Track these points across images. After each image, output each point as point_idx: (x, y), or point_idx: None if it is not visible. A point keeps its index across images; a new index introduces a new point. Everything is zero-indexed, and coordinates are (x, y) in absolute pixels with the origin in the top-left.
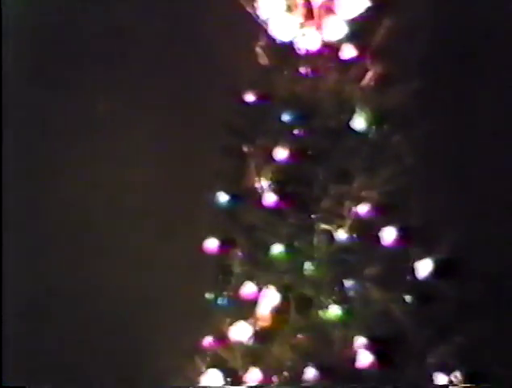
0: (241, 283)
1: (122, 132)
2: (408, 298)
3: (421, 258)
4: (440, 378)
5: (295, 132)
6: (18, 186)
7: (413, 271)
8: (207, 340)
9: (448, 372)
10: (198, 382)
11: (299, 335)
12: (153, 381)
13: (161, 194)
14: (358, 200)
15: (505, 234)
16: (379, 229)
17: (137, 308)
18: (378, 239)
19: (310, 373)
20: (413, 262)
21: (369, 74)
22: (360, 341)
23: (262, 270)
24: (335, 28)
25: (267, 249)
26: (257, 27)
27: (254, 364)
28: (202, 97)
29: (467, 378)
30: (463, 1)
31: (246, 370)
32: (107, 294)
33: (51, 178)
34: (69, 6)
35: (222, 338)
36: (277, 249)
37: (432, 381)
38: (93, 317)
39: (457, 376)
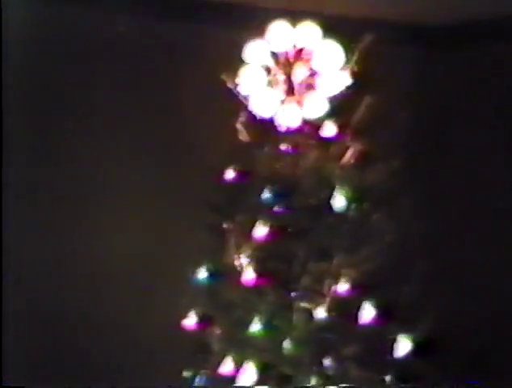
0: (220, 360)
1: (101, 207)
2: (387, 378)
3: (400, 337)
4: None
5: (276, 209)
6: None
7: (392, 350)
8: None
9: None
10: None
11: None
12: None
13: (140, 270)
14: (338, 278)
15: (483, 312)
16: (358, 308)
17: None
18: (357, 318)
19: None
20: (393, 341)
21: (349, 152)
22: None
23: (241, 348)
24: (316, 105)
25: (246, 326)
26: (238, 103)
27: None
28: (182, 173)
29: None
30: (441, 80)
31: None
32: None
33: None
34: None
35: None
36: (256, 327)
37: None
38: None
39: None
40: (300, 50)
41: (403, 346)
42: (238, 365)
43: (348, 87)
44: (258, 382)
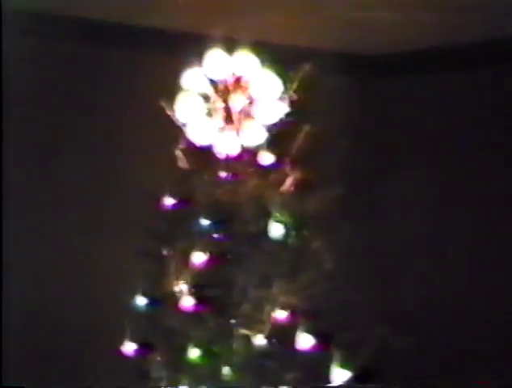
0: (160, 387)
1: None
2: None
3: (339, 364)
4: None
5: (215, 236)
6: None
7: (330, 377)
8: None
9: None
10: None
11: None
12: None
13: (80, 296)
14: (277, 305)
15: (422, 340)
16: (297, 335)
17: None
18: (296, 344)
19: None
20: (331, 368)
21: (289, 180)
22: None
23: (181, 374)
24: (254, 133)
25: (185, 353)
26: (177, 130)
27: None
28: (121, 200)
29: None
30: (380, 108)
31: None
32: None
33: None
34: None
35: None
36: (195, 353)
37: None
38: None
39: None
40: (239, 78)
41: (341, 373)
42: None
43: (287, 115)
44: None
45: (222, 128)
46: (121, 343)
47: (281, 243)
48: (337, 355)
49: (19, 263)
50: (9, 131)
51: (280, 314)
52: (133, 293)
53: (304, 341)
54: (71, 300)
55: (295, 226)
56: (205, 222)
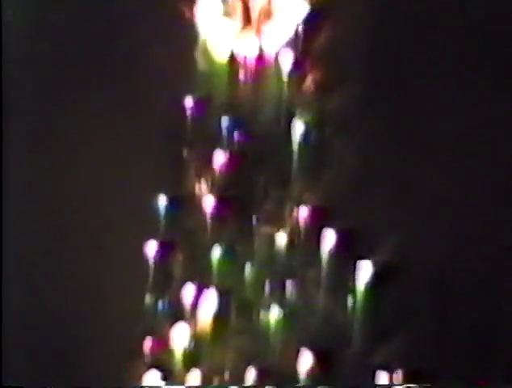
0: (182, 286)
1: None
2: (349, 300)
3: (362, 260)
4: (382, 377)
5: (235, 136)
6: None
7: (354, 272)
8: (148, 343)
9: (390, 371)
10: (138, 384)
11: (240, 338)
12: (96, 382)
13: (102, 196)
14: (299, 203)
15: (445, 236)
16: (319, 232)
17: (79, 311)
18: (319, 242)
19: (251, 374)
20: (355, 264)
21: (309, 79)
22: (301, 343)
23: (203, 273)
24: (274, 33)
25: (208, 252)
26: (196, 33)
27: (195, 366)
28: (142, 103)
29: (408, 377)
30: (401, 5)
31: (187, 372)
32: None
33: None
34: None
35: (163, 340)
36: (217, 252)
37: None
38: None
39: (398, 375)
40: None
41: (365, 269)
42: (200, 291)
43: (307, 15)
44: (219, 308)
45: (241, 29)
46: (143, 243)
47: (302, 142)
48: (359, 251)
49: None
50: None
51: (302, 212)
52: (155, 194)
53: (327, 238)
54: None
55: (315, 125)
56: (225, 123)
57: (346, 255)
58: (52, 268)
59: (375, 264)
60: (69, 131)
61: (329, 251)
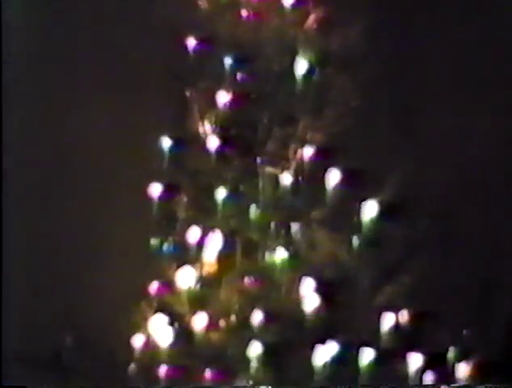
0: (186, 228)
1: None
2: (355, 240)
3: (367, 199)
4: (388, 318)
5: (238, 76)
6: None
7: (359, 212)
8: (153, 286)
9: (396, 311)
10: (144, 327)
11: (245, 279)
12: (101, 327)
13: (105, 138)
14: (303, 143)
15: (449, 174)
16: (324, 172)
17: (84, 256)
18: (323, 181)
19: (257, 316)
20: (359, 203)
21: (312, 17)
22: (307, 284)
23: (208, 215)
24: None
25: (212, 193)
26: None
27: (201, 308)
28: (144, 44)
29: (413, 317)
30: None
31: (193, 315)
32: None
33: None
34: None
35: (168, 283)
36: (222, 193)
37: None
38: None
39: (404, 315)
40: None
41: (369, 208)
42: (205, 232)
43: None
44: (225, 250)
45: None
46: (147, 186)
47: (305, 80)
48: (364, 190)
49: None
50: None
51: (306, 151)
52: (158, 136)
53: (331, 177)
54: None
55: (319, 63)
56: (228, 62)
57: (351, 195)
58: (56, 212)
59: (379, 203)
60: (69, 71)
61: (334, 191)
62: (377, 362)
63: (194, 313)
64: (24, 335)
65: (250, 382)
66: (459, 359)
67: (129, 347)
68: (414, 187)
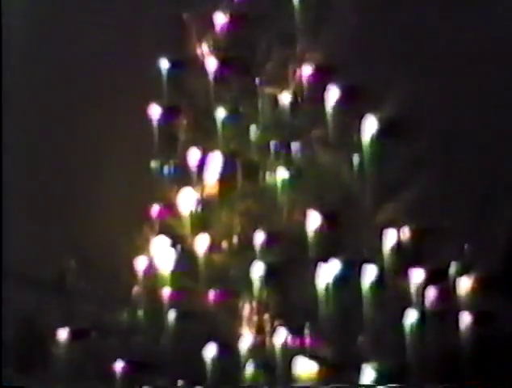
0: (187, 150)
1: None
2: (355, 158)
3: (367, 117)
4: (389, 235)
5: None
6: None
7: (359, 130)
8: (155, 208)
9: (397, 228)
10: (147, 250)
11: (247, 201)
12: (104, 250)
13: (104, 62)
14: (302, 63)
15: (450, 92)
16: (323, 91)
17: (86, 178)
18: (323, 100)
19: (259, 237)
20: (359, 121)
21: None
22: (308, 203)
23: (207, 136)
24: None
25: (211, 115)
26: None
27: (203, 230)
28: None
29: (415, 234)
30: None
31: (195, 237)
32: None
33: None
34: None
35: (169, 206)
36: (221, 114)
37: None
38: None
39: (406, 232)
40: None
41: (370, 126)
42: (205, 155)
43: None
44: (225, 171)
45: None
46: (147, 108)
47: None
48: (364, 108)
49: None
50: None
51: (306, 71)
52: (156, 58)
53: (330, 96)
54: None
55: None
56: None
57: (351, 112)
58: (57, 136)
59: (379, 121)
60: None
61: (334, 109)
62: (379, 279)
63: (196, 235)
64: (27, 258)
65: (254, 303)
66: (460, 273)
67: (132, 270)
68: (414, 104)
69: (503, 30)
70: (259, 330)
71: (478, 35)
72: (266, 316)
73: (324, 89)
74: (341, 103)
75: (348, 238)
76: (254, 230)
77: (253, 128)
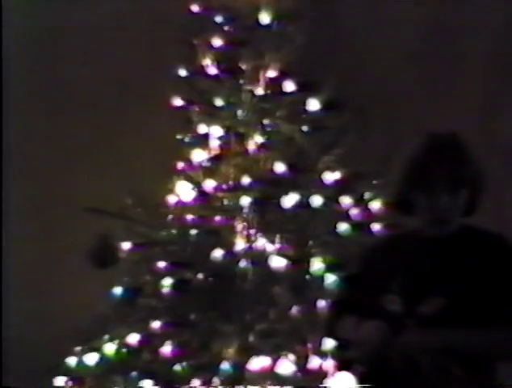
0: (198, 126)
1: None
2: (304, 128)
3: (311, 100)
4: (327, 177)
5: None
6: None
7: (306, 109)
8: (180, 165)
9: (332, 172)
10: (175, 191)
11: (238, 158)
12: (147, 193)
13: (133, 71)
14: (269, 68)
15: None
16: (282, 86)
17: (134, 149)
18: (283, 92)
19: (246, 181)
20: (305, 103)
21: None
22: (277, 158)
23: (211, 118)
24: None
25: (213, 104)
26: None
27: (210, 178)
28: None
29: (345, 176)
30: None
31: (205, 182)
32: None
33: None
34: None
35: (189, 162)
36: (219, 103)
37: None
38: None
39: (338, 175)
40: None
41: (313, 104)
42: (210, 129)
43: None
44: (222, 138)
45: None
46: (171, 99)
47: None
48: (309, 93)
49: None
50: None
51: (271, 74)
52: (176, 68)
53: (288, 88)
54: None
55: None
56: None
57: (301, 98)
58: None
59: (320, 102)
60: None
61: (290, 97)
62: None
63: (206, 181)
64: (96, 195)
65: (244, 223)
66: (372, 199)
67: (167, 204)
68: (352, 84)
69: None
70: (248, 240)
71: None
72: (253, 230)
73: (283, 85)
74: (295, 93)
75: (301, 179)
76: (242, 177)
77: (239, 112)
